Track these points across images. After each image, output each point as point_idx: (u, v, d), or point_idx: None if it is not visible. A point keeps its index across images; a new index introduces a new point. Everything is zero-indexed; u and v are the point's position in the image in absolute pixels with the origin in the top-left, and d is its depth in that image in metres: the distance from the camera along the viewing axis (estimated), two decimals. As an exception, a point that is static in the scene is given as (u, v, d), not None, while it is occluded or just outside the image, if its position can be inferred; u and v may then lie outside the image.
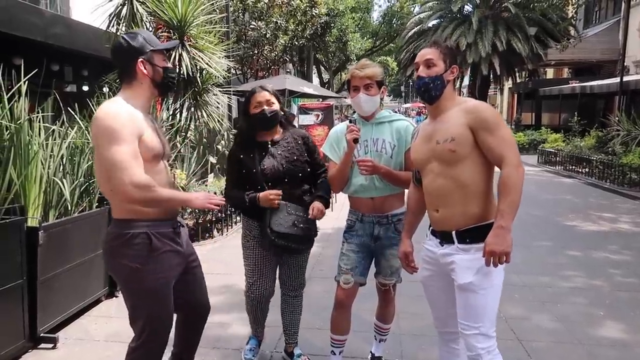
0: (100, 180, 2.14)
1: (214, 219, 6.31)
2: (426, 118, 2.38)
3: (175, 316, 2.34)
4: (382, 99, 2.73)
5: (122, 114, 2.01)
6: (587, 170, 12.61)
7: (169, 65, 2.24)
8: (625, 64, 16.06)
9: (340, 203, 8.06)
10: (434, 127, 2.21)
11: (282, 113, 2.80)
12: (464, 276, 2.10)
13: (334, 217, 7.30)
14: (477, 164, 2.09)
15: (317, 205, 2.72)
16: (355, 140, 2.54)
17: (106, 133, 1.96)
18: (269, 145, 2.76)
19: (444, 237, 2.19)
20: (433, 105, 2.23)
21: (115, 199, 2.09)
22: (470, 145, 2.08)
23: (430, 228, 2.30)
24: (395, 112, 3.02)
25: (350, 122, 2.60)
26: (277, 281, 2.97)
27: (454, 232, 2.14)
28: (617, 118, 12.87)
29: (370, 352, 3.06)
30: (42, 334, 3.26)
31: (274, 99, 2.73)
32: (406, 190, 2.72)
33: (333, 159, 2.75)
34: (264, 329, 3.06)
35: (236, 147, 2.84)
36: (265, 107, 2.69)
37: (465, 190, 2.10)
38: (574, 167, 13.47)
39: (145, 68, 2.12)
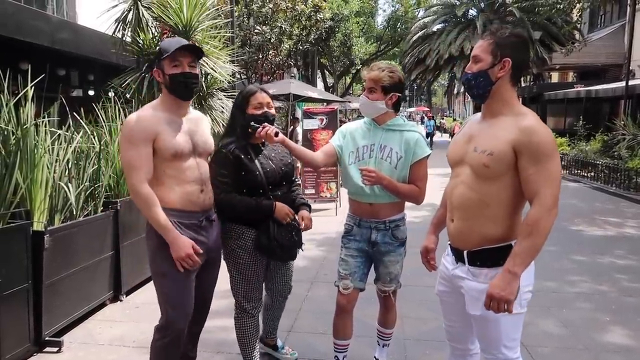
0: None
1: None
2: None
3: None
4: (395, 106, 2.62)
5: (133, 119, 2.24)
6: (592, 174, 12.55)
7: (180, 70, 2.29)
8: (630, 67, 15.98)
9: (345, 207, 8.07)
10: (479, 129, 1.98)
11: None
12: (472, 307, 1.96)
13: (338, 221, 7.30)
14: (508, 185, 1.86)
15: (306, 214, 2.73)
16: (277, 134, 2.42)
17: (122, 137, 2.25)
18: (262, 148, 2.69)
19: (457, 256, 2.04)
20: (484, 105, 1.98)
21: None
22: (508, 166, 1.83)
23: (449, 242, 2.14)
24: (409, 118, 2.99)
25: (251, 128, 2.49)
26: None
27: (465, 253, 1.98)
28: (622, 122, 12.82)
29: (374, 357, 3.05)
30: (47, 338, 3.28)
31: (272, 103, 2.69)
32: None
33: (332, 142, 2.75)
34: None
35: (233, 145, 2.60)
36: (266, 109, 2.61)
37: (487, 209, 1.90)
38: (579, 171, 13.41)
39: (159, 76, 2.34)
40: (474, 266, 1.96)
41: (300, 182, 2.95)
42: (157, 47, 2.43)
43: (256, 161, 2.61)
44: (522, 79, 16.51)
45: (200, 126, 2.46)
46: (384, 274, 2.72)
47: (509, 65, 1.87)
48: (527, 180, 1.81)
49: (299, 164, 6.17)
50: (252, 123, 2.51)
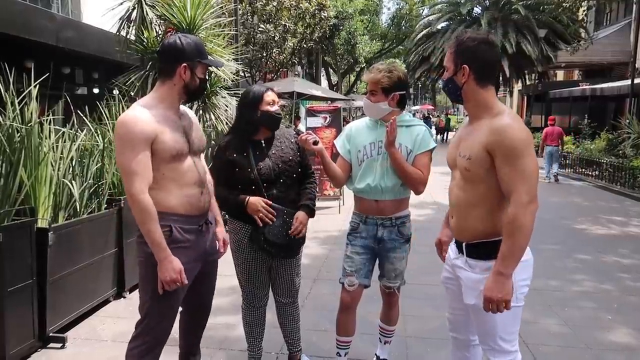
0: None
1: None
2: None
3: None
4: (399, 104, 2.63)
5: (131, 120, 2.09)
6: (597, 173, 12.51)
7: (205, 77, 2.31)
8: (636, 66, 15.88)
9: (348, 206, 8.06)
10: (466, 133, 2.07)
11: None
12: (468, 297, 2.05)
13: (341, 219, 7.31)
14: (492, 186, 1.93)
15: (300, 218, 2.64)
16: (315, 143, 2.52)
17: (119, 139, 2.10)
18: (263, 144, 2.69)
19: (458, 247, 2.14)
20: (466, 109, 2.10)
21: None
22: (485, 169, 1.92)
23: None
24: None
25: (298, 133, 2.65)
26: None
27: (464, 245, 2.07)
28: (627, 121, 12.76)
29: (376, 354, 3.07)
30: (51, 334, 3.31)
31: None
32: (411, 195, 2.72)
33: (341, 153, 2.76)
34: (262, 349, 2.97)
35: (227, 144, 2.67)
36: (278, 106, 2.70)
37: (475, 209, 2.00)
38: (583, 169, 13.37)
39: (184, 73, 2.20)
40: (471, 258, 2.04)
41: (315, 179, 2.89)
42: (186, 40, 2.22)
43: (252, 158, 2.62)
44: (526, 76, 16.43)
45: (193, 122, 2.36)
46: (389, 270, 2.73)
47: (467, 71, 1.96)
48: (502, 179, 1.88)
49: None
50: (299, 128, 2.64)
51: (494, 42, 2.04)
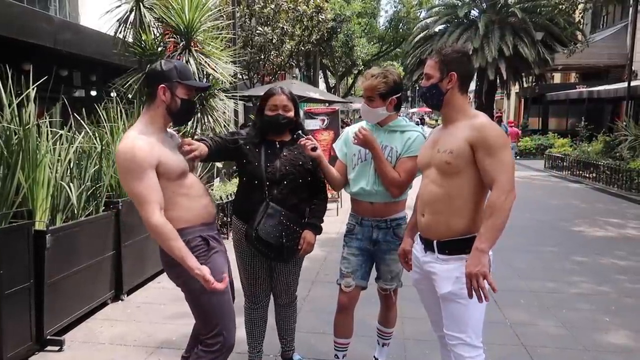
0: None
1: (220, 223, 6.34)
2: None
3: None
4: (395, 107, 2.63)
5: (130, 151, 2.09)
6: (594, 175, 12.54)
7: (191, 99, 2.27)
8: (633, 68, 15.96)
9: (346, 208, 8.07)
10: (441, 135, 2.22)
11: (295, 119, 2.72)
12: (443, 286, 2.13)
13: (340, 221, 7.30)
14: (470, 180, 2.09)
15: (307, 238, 2.66)
16: (314, 149, 2.56)
17: (123, 170, 2.11)
18: (277, 145, 2.71)
19: (427, 245, 2.23)
20: (442, 114, 2.24)
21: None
22: (467, 161, 2.07)
23: (418, 232, 2.34)
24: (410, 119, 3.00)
25: (297, 136, 2.63)
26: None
27: (435, 242, 2.17)
28: (624, 123, 12.80)
29: (374, 356, 3.07)
30: (48, 337, 3.30)
31: (290, 106, 2.66)
32: (408, 197, 2.73)
33: (339, 156, 2.79)
34: (262, 351, 2.99)
35: (246, 134, 2.73)
36: (281, 112, 2.63)
37: (453, 202, 2.11)
38: (581, 172, 13.40)
39: (164, 94, 2.20)
40: (443, 254, 2.16)
41: (325, 196, 2.88)
42: (166, 63, 2.24)
43: (262, 155, 2.64)
44: (523, 79, 16.62)
45: (177, 140, 2.39)
46: (385, 272, 2.74)
47: (455, 77, 2.15)
48: (485, 170, 2.04)
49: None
50: (300, 132, 2.67)
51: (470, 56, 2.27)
